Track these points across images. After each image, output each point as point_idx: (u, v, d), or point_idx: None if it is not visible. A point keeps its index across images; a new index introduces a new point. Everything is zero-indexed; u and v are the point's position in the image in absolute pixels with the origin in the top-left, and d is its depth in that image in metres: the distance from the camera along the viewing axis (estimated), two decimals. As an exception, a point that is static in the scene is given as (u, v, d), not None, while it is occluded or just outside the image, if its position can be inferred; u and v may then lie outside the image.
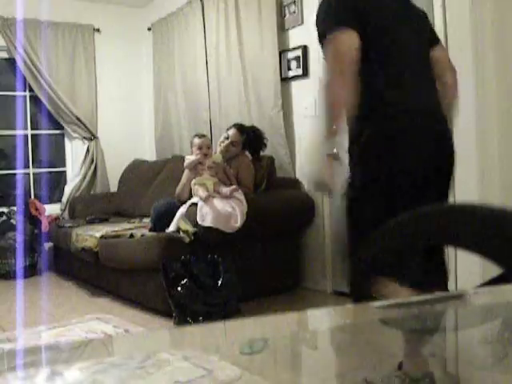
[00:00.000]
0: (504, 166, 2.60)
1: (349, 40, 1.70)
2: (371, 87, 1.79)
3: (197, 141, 3.56)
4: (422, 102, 1.80)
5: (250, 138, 3.64)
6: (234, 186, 3.36)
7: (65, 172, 5.43)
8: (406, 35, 1.85)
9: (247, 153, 3.73)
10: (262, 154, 3.79)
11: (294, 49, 3.83)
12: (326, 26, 1.75)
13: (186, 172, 3.61)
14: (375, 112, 1.76)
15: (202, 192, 3.33)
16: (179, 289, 3.01)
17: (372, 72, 1.79)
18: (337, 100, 1.72)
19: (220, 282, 3.08)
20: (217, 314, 3.02)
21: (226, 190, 3.32)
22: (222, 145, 3.58)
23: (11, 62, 4.98)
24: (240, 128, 3.62)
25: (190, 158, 3.54)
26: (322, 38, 1.77)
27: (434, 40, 1.98)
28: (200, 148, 3.50)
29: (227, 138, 3.59)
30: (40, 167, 5.26)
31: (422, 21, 1.95)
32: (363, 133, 1.75)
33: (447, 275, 1.88)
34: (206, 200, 3.24)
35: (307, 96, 3.63)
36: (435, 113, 1.82)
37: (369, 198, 1.74)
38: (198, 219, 3.19)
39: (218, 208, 3.21)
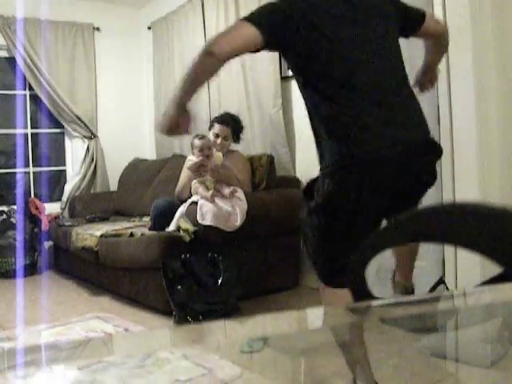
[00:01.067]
0: (504, 166, 2.60)
1: (246, 33, 1.61)
2: (318, 127, 1.67)
3: (197, 142, 3.53)
4: (388, 145, 1.59)
5: (234, 126, 3.63)
6: (233, 187, 3.34)
7: (65, 171, 5.43)
8: (359, 48, 1.64)
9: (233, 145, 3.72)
10: (260, 153, 3.80)
11: (294, 48, 3.83)
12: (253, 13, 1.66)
13: (186, 171, 3.59)
14: (328, 160, 1.63)
15: (202, 190, 3.32)
16: (179, 288, 3.01)
17: (317, 107, 1.66)
18: (193, 73, 1.66)
19: (220, 281, 3.08)
20: (217, 312, 3.02)
21: (226, 190, 3.32)
22: (217, 144, 3.56)
23: (11, 60, 4.97)
24: (223, 122, 3.59)
25: (192, 160, 3.51)
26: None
27: (413, 25, 1.82)
28: (201, 150, 3.48)
29: (217, 136, 3.57)
30: (40, 166, 5.26)
31: (384, 16, 1.72)
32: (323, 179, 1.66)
33: None
34: (210, 199, 3.23)
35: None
36: (407, 150, 1.62)
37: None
38: (198, 218, 3.18)
39: (218, 207, 3.21)
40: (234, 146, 3.74)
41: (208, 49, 1.61)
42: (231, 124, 3.61)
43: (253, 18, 1.64)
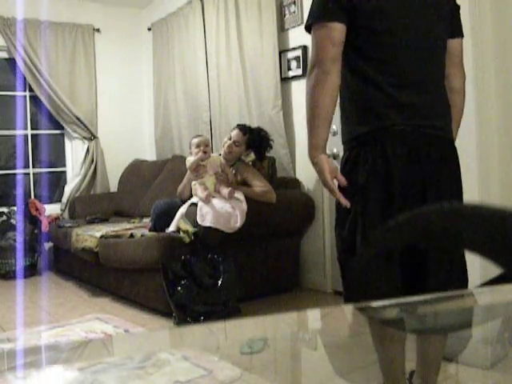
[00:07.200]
0: (504, 166, 2.60)
1: (332, 35, 1.60)
2: (360, 94, 1.67)
3: (194, 140, 3.55)
4: (420, 123, 1.66)
5: (253, 138, 3.60)
6: (230, 189, 3.33)
7: (65, 172, 5.43)
8: (409, 27, 1.67)
9: (251, 154, 3.71)
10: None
11: (294, 49, 3.83)
12: (314, 13, 1.64)
13: (188, 172, 3.60)
14: (364, 127, 1.64)
15: (201, 192, 3.32)
16: (179, 289, 3.01)
17: (362, 74, 1.66)
18: (317, 111, 1.61)
19: (220, 282, 3.08)
20: (217, 313, 3.02)
21: (225, 191, 3.32)
22: (226, 145, 3.56)
23: (11, 62, 4.98)
24: (242, 128, 3.59)
25: (190, 160, 3.52)
26: (307, 26, 1.68)
27: (454, 32, 1.86)
28: (198, 146, 3.49)
29: (229, 139, 3.57)
30: (40, 167, 5.26)
31: (439, 7, 1.76)
32: (351, 148, 1.66)
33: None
34: (206, 200, 3.23)
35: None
36: (432, 134, 1.70)
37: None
38: (197, 219, 3.18)
39: (217, 208, 3.21)
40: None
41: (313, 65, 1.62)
42: (252, 135, 3.57)
43: (322, 14, 1.62)
